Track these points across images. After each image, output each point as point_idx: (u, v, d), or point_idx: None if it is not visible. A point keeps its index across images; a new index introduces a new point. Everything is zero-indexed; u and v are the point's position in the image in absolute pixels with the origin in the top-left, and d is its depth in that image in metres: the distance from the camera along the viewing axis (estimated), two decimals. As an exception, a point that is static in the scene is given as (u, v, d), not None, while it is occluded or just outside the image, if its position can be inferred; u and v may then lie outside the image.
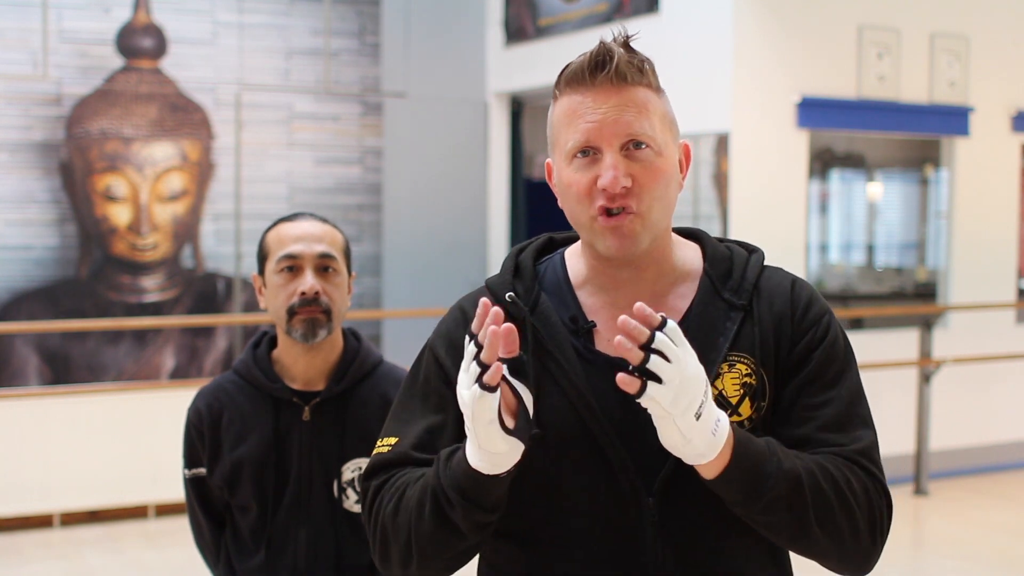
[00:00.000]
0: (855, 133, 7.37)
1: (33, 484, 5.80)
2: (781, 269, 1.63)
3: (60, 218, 7.58)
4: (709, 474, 1.41)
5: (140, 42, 7.71)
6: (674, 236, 1.61)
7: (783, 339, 1.54)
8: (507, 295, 1.57)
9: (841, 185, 8.45)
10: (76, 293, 7.62)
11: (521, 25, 8.19)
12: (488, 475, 1.41)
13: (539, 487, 1.52)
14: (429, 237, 8.46)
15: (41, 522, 5.82)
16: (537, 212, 9.89)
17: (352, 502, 2.34)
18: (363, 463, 2.34)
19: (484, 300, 1.36)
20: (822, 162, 8.16)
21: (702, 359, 1.45)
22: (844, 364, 1.55)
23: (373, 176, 8.39)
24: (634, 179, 1.49)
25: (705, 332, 1.52)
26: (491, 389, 1.34)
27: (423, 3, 8.39)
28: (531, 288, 1.58)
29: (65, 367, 7.56)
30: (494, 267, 8.61)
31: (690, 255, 1.60)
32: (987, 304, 7.24)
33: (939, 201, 7.65)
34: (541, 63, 8.05)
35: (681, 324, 1.47)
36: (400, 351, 7.54)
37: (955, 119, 7.17)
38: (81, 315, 7.51)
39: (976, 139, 7.27)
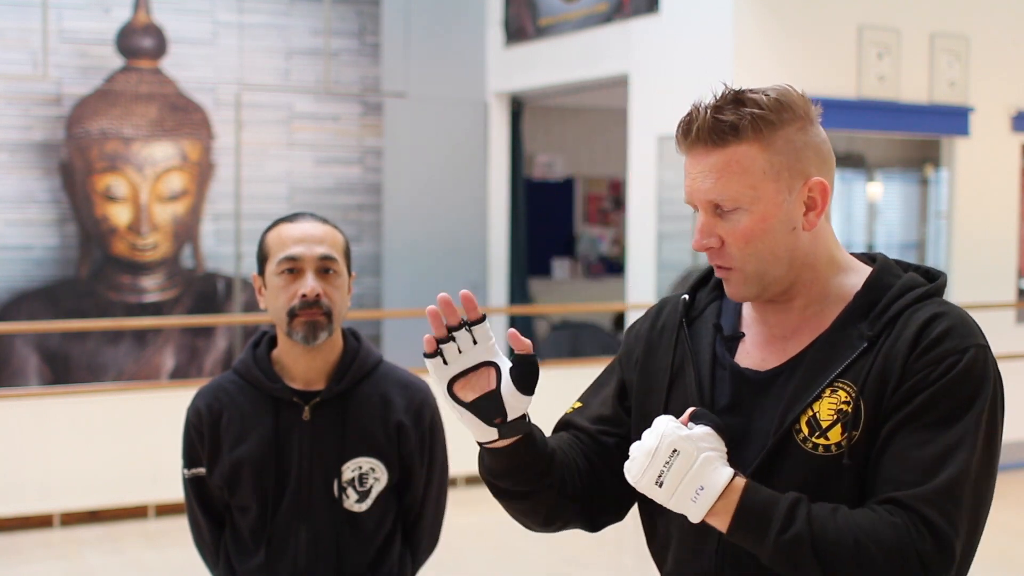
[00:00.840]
0: (855, 133, 7.37)
1: (33, 484, 5.80)
2: (944, 304, 1.60)
3: (60, 218, 7.58)
4: (720, 529, 1.51)
5: (140, 42, 7.71)
6: (845, 261, 1.64)
7: (895, 374, 1.52)
8: (682, 296, 1.74)
9: (841, 185, 8.45)
10: (76, 293, 7.62)
11: (521, 25, 8.19)
12: (481, 443, 1.58)
13: None
14: (429, 237, 8.46)
15: (41, 522, 5.82)
16: (537, 212, 9.89)
17: (352, 501, 2.34)
18: (363, 463, 2.34)
19: (441, 295, 1.55)
20: (822, 162, 8.14)
21: (811, 383, 1.54)
22: (960, 409, 1.50)
23: (373, 176, 8.39)
24: (723, 240, 1.58)
25: (823, 358, 1.57)
26: (427, 356, 1.54)
27: (423, 3, 8.39)
28: (711, 295, 1.73)
29: (65, 367, 7.56)
30: (494, 267, 8.61)
31: (852, 281, 1.62)
32: (987, 304, 7.24)
33: (939, 201, 7.65)
34: (541, 63, 8.05)
35: (806, 350, 1.58)
36: (400, 351, 7.54)
37: (955, 119, 7.17)
38: (81, 315, 7.51)
39: (976, 139, 7.27)
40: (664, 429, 1.50)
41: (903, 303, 1.57)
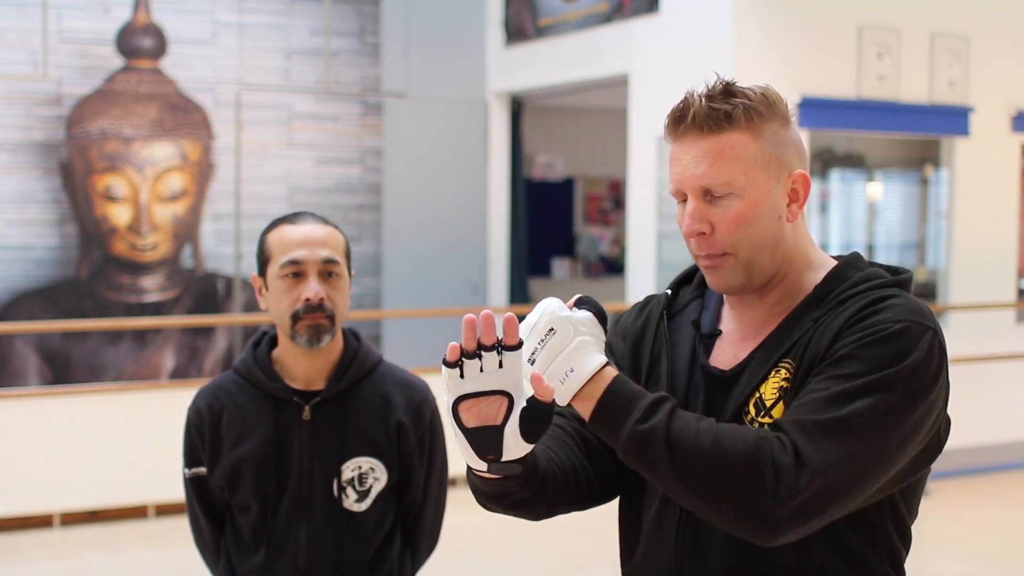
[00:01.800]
0: (855, 133, 7.38)
1: (33, 484, 5.80)
2: (899, 292, 1.57)
3: (60, 218, 7.58)
4: (584, 416, 1.50)
5: (140, 42, 7.71)
6: (818, 259, 1.66)
7: (827, 343, 1.54)
8: (666, 291, 1.76)
9: (841, 185, 8.46)
10: (76, 293, 7.62)
11: (521, 25, 8.19)
12: (471, 466, 1.51)
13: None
14: (429, 237, 8.46)
15: (41, 522, 5.82)
16: (537, 212, 9.89)
17: (352, 501, 2.34)
18: (363, 462, 2.34)
19: (485, 313, 1.47)
20: (822, 162, 8.17)
21: (760, 368, 1.56)
22: (873, 368, 1.48)
23: (373, 176, 8.39)
24: (714, 225, 1.58)
25: (775, 346, 1.59)
26: (446, 363, 1.45)
27: (423, 3, 8.39)
28: (694, 292, 1.74)
29: (65, 367, 7.56)
30: (494, 267, 8.61)
31: (820, 277, 1.64)
32: (987, 304, 7.24)
33: (939, 201, 7.65)
34: (541, 63, 8.05)
35: (765, 341, 1.60)
36: (400, 351, 7.55)
37: (955, 119, 7.17)
38: (81, 315, 7.51)
39: (976, 139, 7.27)
40: (547, 307, 1.48)
41: (856, 290, 1.58)
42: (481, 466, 1.49)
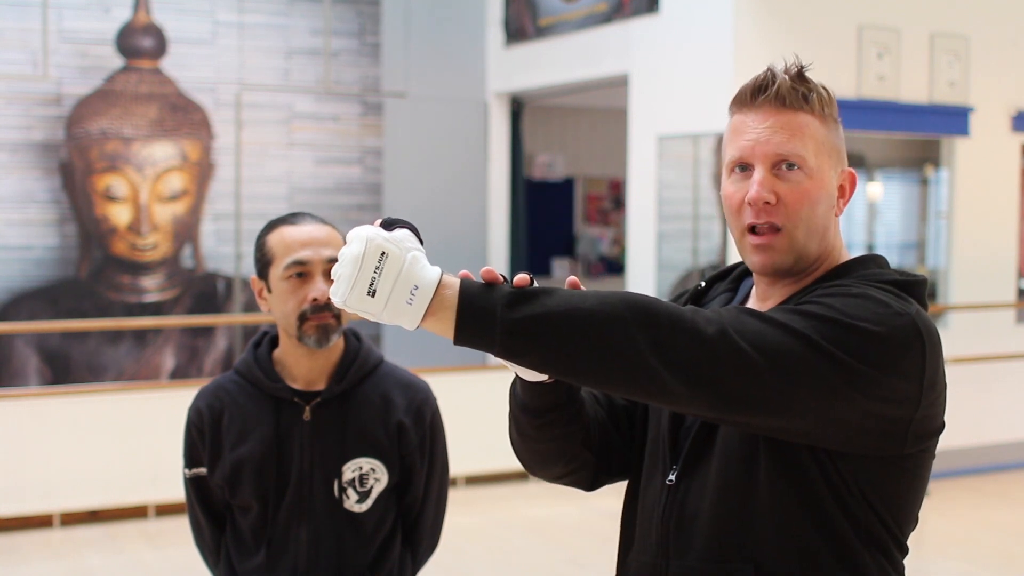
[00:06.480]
0: (855, 133, 7.38)
1: (33, 484, 5.80)
2: (900, 296, 1.55)
3: (60, 218, 7.58)
4: (449, 337, 1.44)
5: (140, 42, 7.71)
6: (845, 259, 1.67)
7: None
8: (699, 284, 1.78)
9: (841, 185, 8.45)
10: (76, 293, 7.62)
11: (521, 25, 8.19)
12: (531, 381, 1.55)
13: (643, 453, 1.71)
14: (429, 237, 8.34)
15: (41, 522, 5.82)
16: (537, 212, 9.89)
17: (353, 502, 2.34)
18: (364, 463, 2.34)
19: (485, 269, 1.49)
20: (822, 162, 8.13)
21: None
22: (820, 309, 1.47)
23: (373, 176, 8.39)
24: (779, 197, 1.58)
25: None
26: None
27: (423, 3, 8.39)
28: (727, 286, 1.75)
29: (65, 367, 7.56)
30: (494, 267, 8.61)
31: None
32: (987, 304, 7.24)
33: (939, 201, 7.65)
34: (541, 63, 8.05)
35: None
36: (400, 351, 7.54)
37: (955, 119, 7.17)
38: (81, 315, 7.51)
39: (976, 139, 7.27)
40: (365, 234, 1.41)
41: (838, 276, 1.60)
42: (543, 376, 1.51)
